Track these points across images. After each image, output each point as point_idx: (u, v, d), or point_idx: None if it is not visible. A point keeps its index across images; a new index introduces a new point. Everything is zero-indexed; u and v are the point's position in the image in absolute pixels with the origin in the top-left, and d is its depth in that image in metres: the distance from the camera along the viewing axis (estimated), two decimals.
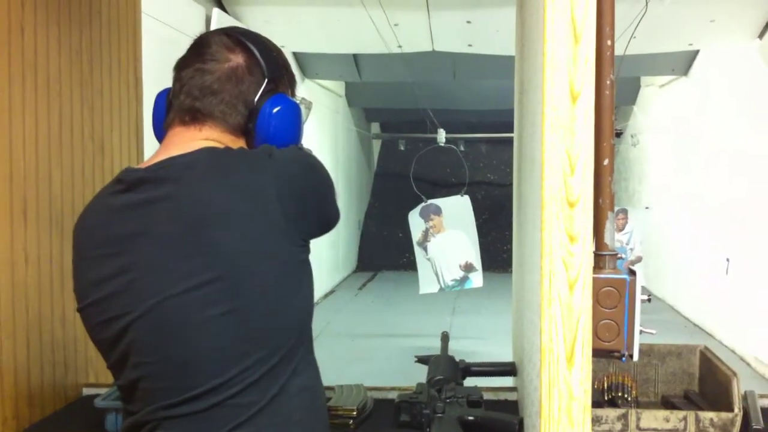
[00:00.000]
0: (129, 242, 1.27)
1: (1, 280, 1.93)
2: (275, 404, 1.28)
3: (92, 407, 1.98)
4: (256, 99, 1.37)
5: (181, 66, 1.39)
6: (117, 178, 1.34)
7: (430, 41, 7.57)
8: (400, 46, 7.67)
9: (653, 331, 1.23)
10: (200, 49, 1.38)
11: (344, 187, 12.77)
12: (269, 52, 1.42)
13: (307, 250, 1.33)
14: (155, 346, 1.26)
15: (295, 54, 8.86)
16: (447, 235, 4.44)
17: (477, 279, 4.51)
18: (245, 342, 1.25)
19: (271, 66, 1.41)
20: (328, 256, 11.48)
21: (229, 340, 1.24)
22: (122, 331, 1.27)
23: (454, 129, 12.05)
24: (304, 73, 9.48)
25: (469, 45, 7.62)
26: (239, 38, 1.39)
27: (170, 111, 1.39)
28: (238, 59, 1.37)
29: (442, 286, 4.42)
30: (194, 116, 1.36)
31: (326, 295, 11.36)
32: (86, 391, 2.27)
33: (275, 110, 1.38)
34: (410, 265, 4.58)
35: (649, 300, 1.24)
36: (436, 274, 4.45)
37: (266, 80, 1.39)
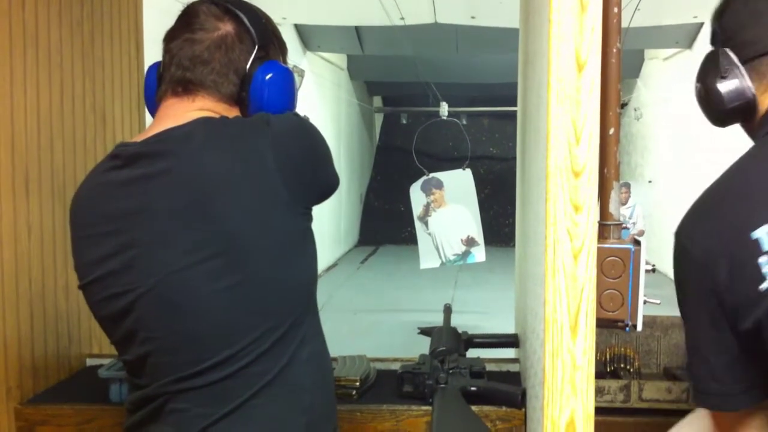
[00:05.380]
0: (129, 218, 1.26)
1: (4, 251, 1.93)
2: (286, 372, 1.28)
3: (96, 377, 1.99)
4: (247, 66, 1.36)
5: (170, 37, 1.37)
6: (112, 153, 1.32)
7: (432, 13, 7.52)
8: (402, 18, 7.62)
9: (657, 301, 1.23)
10: (188, 18, 1.36)
11: (346, 160, 12.75)
12: (258, 19, 1.40)
13: (310, 218, 1.32)
14: (163, 321, 1.25)
15: (296, 26, 8.81)
16: (448, 209, 4.42)
17: (479, 253, 4.49)
18: (253, 313, 1.25)
19: (260, 33, 1.39)
20: (330, 229, 11.50)
21: (237, 312, 1.24)
22: (127, 307, 1.27)
23: (456, 102, 12.02)
24: (306, 45, 9.43)
25: (472, 17, 7.57)
26: (227, 6, 1.37)
27: (162, 83, 1.37)
28: (227, 27, 1.36)
29: (444, 260, 4.40)
30: (186, 87, 1.34)
31: (328, 269, 11.40)
32: (90, 362, 2.28)
33: (268, 77, 1.37)
34: (412, 239, 4.57)
35: (653, 270, 1.24)
36: (437, 249, 4.44)
37: (257, 47, 1.37)
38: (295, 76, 1.45)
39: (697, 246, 1.18)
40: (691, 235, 1.20)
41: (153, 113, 1.40)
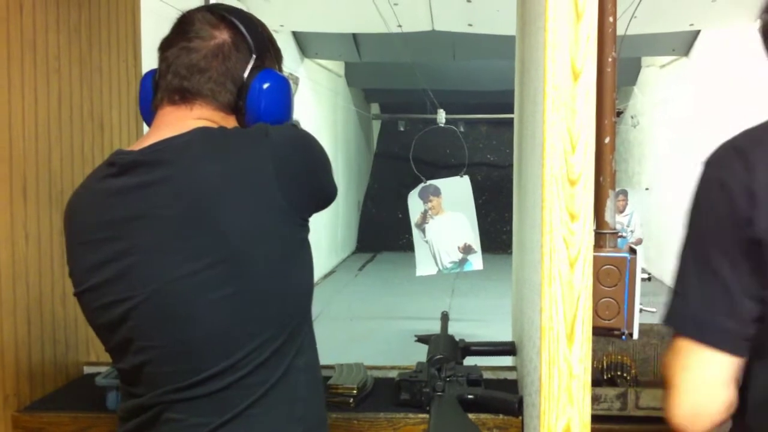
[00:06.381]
0: (127, 226, 1.25)
1: (2, 258, 1.93)
2: (283, 382, 1.27)
3: (93, 385, 1.98)
4: (244, 75, 1.36)
5: (165, 46, 1.36)
6: (108, 161, 1.31)
7: (430, 21, 7.54)
8: (399, 26, 7.63)
9: (653, 309, 1.23)
10: (184, 27, 1.35)
11: (344, 168, 12.75)
12: (254, 26, 1.40)
13: (307, 229, 1.32)
14: (160, 330, 1.24)
15: (294, 33, 8.82)
16: (446, 216, 4.41)
17: (477, 261, 4.48)
18: (251, 323, 1.24)
19: (257, 41, 1.38)
20: (328, 237, 11.49)
21: (235, 322, 1.23)
22: (124, 315, 1.26)
23: (454, 110, 12.03)
24: (304, 52, 9.44)
25: (469, 25, 7.59)
26: (223, 14, 1.37)
27: (158, 92, 1.36)
28: (223, 36, 1.35)
29: (440, 268, 4.40)
30: (183, 96, 1.33)
31: (326, 276, 11.39)
32: (87, 370, 2.27)
33: (265, 86, 1.36)
34: (409, 246, 4.56)
35: (649, 279, 1.24)
36: (434, 257, 4.43)
37: (253, 56, 1.37)
38: (290, 83, 1.45)
39: (738, 184, 1.13)
40: (734, 171, 1.16)
41: (148, 121, 1.39)
